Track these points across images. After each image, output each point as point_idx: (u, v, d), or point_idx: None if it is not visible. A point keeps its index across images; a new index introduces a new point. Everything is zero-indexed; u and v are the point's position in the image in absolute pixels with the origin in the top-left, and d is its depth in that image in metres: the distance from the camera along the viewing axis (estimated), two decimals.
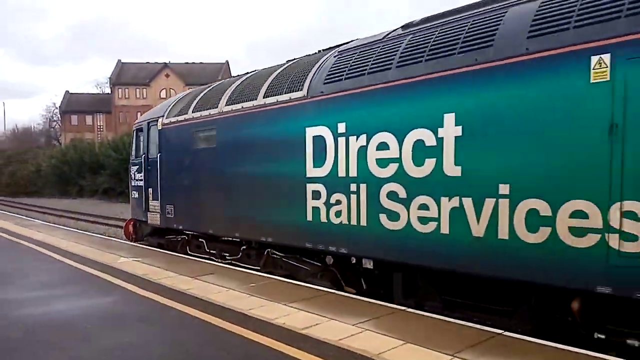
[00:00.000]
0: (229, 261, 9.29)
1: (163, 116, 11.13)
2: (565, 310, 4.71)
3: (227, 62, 77.59)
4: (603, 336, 4.49)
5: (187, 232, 10.52)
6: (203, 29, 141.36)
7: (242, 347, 4.57)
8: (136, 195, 12.34)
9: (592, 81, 4.28)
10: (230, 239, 9.12)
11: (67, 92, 77.90)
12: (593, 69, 4.25)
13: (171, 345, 4.71)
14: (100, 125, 74.76)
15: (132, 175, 12.53)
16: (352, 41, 7.48)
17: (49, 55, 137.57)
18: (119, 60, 75.84)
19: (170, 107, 11.16)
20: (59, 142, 72.82)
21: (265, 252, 8.37)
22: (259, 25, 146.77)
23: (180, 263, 8.86)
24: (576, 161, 4.36)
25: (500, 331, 4.73)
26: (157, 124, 11.33)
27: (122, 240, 12.38)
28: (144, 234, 12.59)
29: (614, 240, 4.14)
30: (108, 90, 77.23)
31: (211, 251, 9.93)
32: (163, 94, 72.92)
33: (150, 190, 11.51)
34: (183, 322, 5.36)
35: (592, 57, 4.25)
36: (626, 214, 4.07)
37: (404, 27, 6.56)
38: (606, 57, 4.18)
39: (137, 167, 12.16)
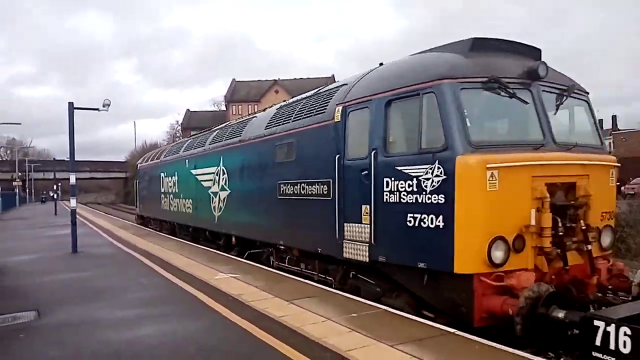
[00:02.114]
0: (165, 233, 17.99)
1: (139, 162, 24.34)
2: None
3: (332, 76, 77.70)
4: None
5: (146, 217, 22.28)
6: (313, 44, 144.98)
7: None
8: (136, 199, 25.65)
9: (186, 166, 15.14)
10: (154, 218, 20.50)
11: (187, 110, 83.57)
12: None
13: None
14: None
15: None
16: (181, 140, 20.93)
17: (179, 79, 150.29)
18: (233, 79, 79.76)
19: (143, 157, 24.92)
20: None
21: (164, 223, 18.63)
22: (365, 33, 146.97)
23: (279, 282, 8.06)
24: (190, 187, 14.62)
25: None
26: (139, 166, 24.12)
27: (225, 254, 11.95)
28: (139, 219, 24.15)
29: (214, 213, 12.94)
30: (224, 108, 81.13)
31: (154, 226, 20.59)
32: None
33: (138, 197, 24.17)
34: None
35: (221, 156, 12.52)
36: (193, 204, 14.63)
37: (190, 137, 19.26)
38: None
39: (137, 186, 24.87)
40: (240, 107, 77.38)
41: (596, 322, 4.26)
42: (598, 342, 4.23)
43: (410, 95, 6.05)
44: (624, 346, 4.07)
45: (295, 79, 79.00)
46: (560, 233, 5.59)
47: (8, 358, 4.85)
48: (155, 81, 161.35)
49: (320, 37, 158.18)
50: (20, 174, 56.05)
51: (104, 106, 14.02)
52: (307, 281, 8.19)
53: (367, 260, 6.61)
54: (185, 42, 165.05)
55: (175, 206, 16.44)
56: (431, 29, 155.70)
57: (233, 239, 11.99)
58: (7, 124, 37.54)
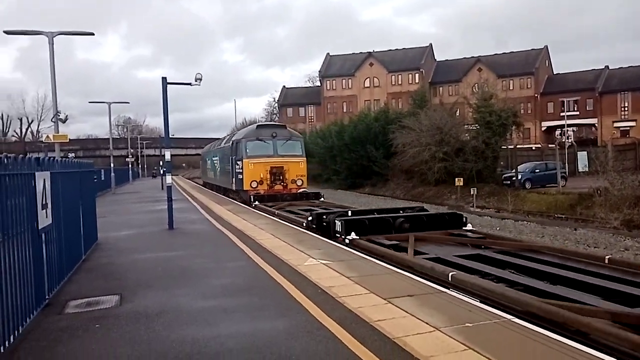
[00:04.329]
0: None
1: (202, 151, 52.58)
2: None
3: (430, 45, 74.64)
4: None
5: (204, 182, 46.12)
6: (414, 13, 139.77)
7: None
8: (201, 171, 55.38)
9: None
10: (207, 182, 43.08)
11: (284, 87, 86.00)
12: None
13: None
14: (311, 116, 78.91)
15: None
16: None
17: (280, 57, 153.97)
18: (328, 54, 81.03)
19: (203, 149, 49.16)
20: None
21: (209, 184, 40.46)
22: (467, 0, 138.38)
23: (375, 274, 7.49)
24: (214, 165, 34.47)
25: None
26: (201, 152, 53.06)
27: (314, 234, 11.21)
28: (203, 183, 48.87)
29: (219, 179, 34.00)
30: (319, 83, 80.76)
31: (208, 187, 41.15)
32: (367, 83, 73.88)
33: (201, 170, 53.27)
34: None
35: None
36: (218, 173, 33.30)
37: (219, 139, 41.57)
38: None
39: (201, 164, 53.70)
40: (334, 81, 78.06)
41: (250, 195, 21.93)
42: (233, 185, 24.27)
43: (239, 142, 23.41)
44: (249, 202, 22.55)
45: (390, 50, 77.08)
46: (273, 179, 22.44)
47: (72, 353, 4.42)
48: (258, 59, 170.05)
49: (422, 5, 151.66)
50: (133, 150, 60.32)
51: (196, 80, 13.89)
52: (408, 274, 7.26)
53: (234, 189, 24.65)
54: (287, 18, 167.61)
55: (210, 175, 37.56)
56: None
57: (222, 188, 30.47)
58: (117, 102, 40.47)
